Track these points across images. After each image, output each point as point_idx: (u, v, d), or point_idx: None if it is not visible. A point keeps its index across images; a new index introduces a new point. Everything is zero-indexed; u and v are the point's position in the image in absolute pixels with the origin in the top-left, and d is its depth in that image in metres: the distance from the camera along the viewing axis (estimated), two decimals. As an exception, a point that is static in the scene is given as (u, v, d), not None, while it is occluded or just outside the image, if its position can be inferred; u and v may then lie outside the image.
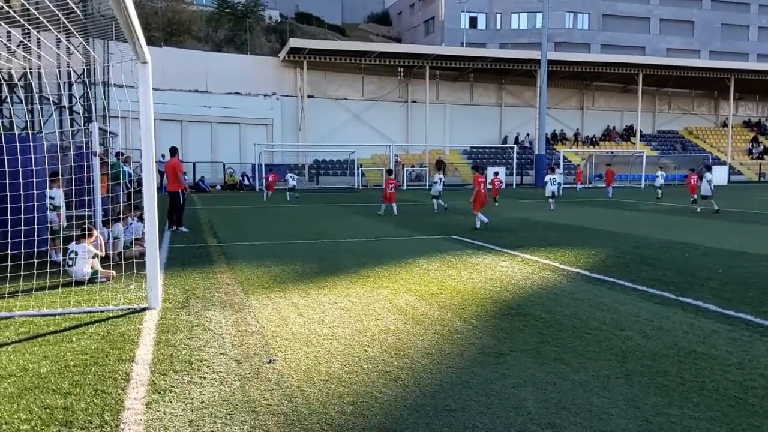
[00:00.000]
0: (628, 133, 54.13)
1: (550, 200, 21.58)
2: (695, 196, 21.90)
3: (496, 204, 23.29)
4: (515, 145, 46.27)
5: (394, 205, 19.29)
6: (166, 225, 14.63)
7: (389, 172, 22.01)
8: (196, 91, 42.11)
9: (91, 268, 8.56)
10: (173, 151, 15.41)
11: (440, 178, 21.45)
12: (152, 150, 7.03)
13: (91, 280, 8.43)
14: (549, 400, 4.35)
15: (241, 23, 48.84)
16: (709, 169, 21.68)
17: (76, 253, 8.51)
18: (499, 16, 63.76)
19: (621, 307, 7.04)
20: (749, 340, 5.76)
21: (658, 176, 29.76)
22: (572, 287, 8.23)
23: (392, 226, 15.94)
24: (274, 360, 5.17)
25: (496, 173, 26.79)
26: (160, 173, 36.06)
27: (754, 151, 54.92)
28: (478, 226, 14.97)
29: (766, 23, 70.30)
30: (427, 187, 37.01)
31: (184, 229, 14.83)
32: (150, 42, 37.47)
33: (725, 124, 56.93)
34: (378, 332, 6.03)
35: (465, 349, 5.54)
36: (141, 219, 9.78)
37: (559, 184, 26.39)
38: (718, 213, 19.86)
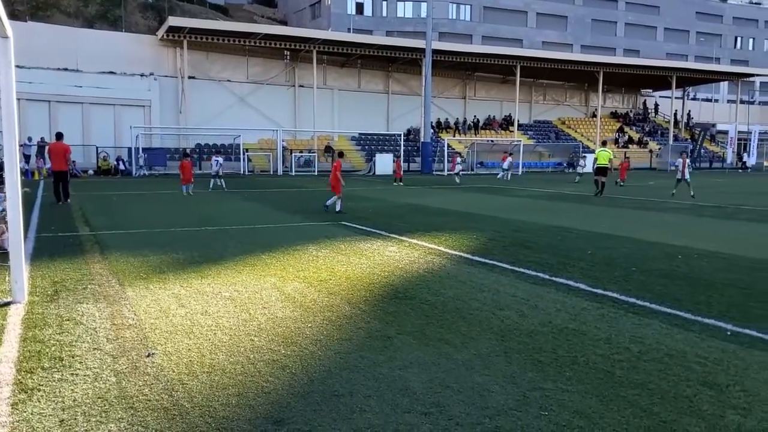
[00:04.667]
0: (507, 123, 56.53)
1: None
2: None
3: (399, 184, 28.94)
4: (401, 133, 47.09)
5: (189, 186, 22.02)
6: (55, 200, 17.49)
7: (185, 154, 25.24)
8: (66, 69, 39.15)
9: None
10: (60, 135, 18.42)
11: (217, 161, 26.15)
12: (15, 132, 6.45)
13: None
14: (434, 380, 4.46)
15: (114, -2, 45.98)
16: (584, 158, 25.51)
17: None
18: (385, 3, 64.36)
19: (500, 288, 7.35)
20: (615, 317, 6.20)
21: (504, 164, 36.11)
22: (456, 270, 8.49)
23: (282, 213, 15.70)
24: (153, 353, 4.93)
25: (398, 156, 34.26)
26: (26, 156, 33.33)
27: (620, 140, 59.15)
28: (337, 208, 15.63)
29: (632, 20, 76.03)
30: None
31: (69, 201, 17.47)
32: (13, 16, 34.43)
33: (594, 115, 60.81)
34: (265, 321, 5.92)
35: (353, 333, 5.56)
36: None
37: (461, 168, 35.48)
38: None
